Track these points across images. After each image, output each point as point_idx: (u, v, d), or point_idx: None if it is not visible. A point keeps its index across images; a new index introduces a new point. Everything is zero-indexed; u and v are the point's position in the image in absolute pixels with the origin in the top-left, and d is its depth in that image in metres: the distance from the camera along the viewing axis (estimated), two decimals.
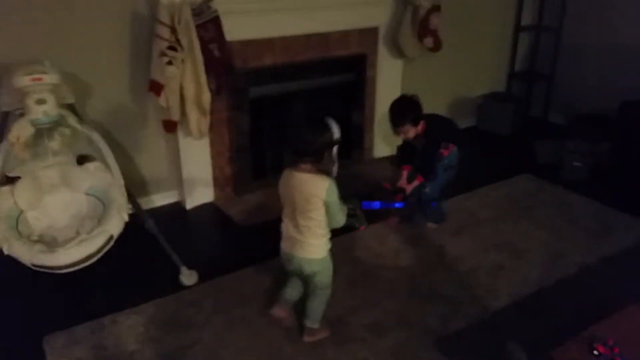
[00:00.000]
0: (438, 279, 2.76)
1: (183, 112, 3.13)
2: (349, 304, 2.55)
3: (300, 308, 2.34)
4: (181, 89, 3.04)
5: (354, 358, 2.24)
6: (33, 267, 2.16)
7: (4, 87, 2.51)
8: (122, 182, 2.54)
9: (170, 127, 3.10)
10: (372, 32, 3.87)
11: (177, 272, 2.70)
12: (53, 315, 2.49)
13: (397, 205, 2.99)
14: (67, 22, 2.86)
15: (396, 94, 4.09)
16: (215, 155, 3.48)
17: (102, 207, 2.48)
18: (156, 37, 2.90)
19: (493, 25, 4.75)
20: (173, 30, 2.89)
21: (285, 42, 3.50)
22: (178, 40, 2.91)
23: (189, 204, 3.46)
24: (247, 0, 3.19)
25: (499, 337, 2.32)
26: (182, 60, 2.95)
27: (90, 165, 2.56)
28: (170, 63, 2.92)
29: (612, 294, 2.62)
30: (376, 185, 3.72)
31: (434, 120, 3.09)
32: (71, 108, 2.59)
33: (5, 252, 2.19)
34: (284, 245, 2.23)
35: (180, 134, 3.26)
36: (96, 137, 2.55)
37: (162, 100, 3.01)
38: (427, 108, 4.54)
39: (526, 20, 4.89)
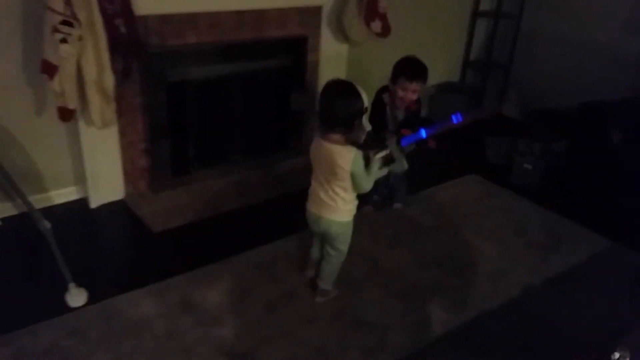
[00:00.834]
0: (366, 301, 2.44)
1: (84, 98, 2.68)
2: (262, 334, 2.20)
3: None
4: (80, 71, 2.59)
5: None
6: None
7: None
8: None
9: (66, 115, 2.65)
10: (315, 11, 3.46)
11: (65, 290, 2.30)
12: None
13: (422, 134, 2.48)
14: None
15: (342, 77, 3.75)
16: (126, 146, 3.04)
17: None
18: (47, 10, 2.42)
19: (449, 9, 4.40)
20: (68, 2, 2.42)
21: (213, 19, 3.06)
22: (74, 14, 2.44)
23: (94, 202, 3.02)
24: None
25: None
26: (80, 38, 2.49)
27: None
28: (64, 41, 2.45)
29: (557, 320, 2.38)
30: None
31: None
32: None
33: None
34: (312, 207, 2.29)
35: (81, 122, 2.81)
36: None
37: (55, 84, 2.55)
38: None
39: (484, 4, 4.57)
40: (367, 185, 2.19)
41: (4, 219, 2.80)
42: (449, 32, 4.49)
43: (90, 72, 2.60)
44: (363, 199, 2.41)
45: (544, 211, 3.25)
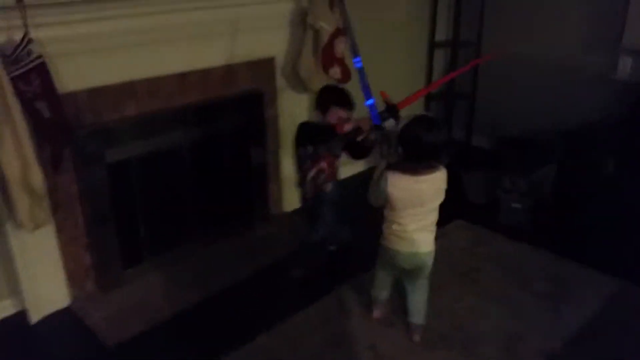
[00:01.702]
0: None
1: (7, 197, 2.24)
2: None
3: None
4: None
5: None
6: None
7: None
8: None
9: None
10: (267, 64, 3.13)
11: None
12: None
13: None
14: None
15: None
16: (66, 243, 2.59)
17: None
18: None
19: (406, 42, 4.17)
20: None
21: (153, 85, 2.68)
22: None
23: (35, 316, 2.54)
24: (87, 36, 2.34)
25: None
26: None
27: None
28: None
29: None
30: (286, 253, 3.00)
31: None
32: None
33: None
34: (403, 247, 2.20)
35: (8, 226, 2.35)
36: None
37: None
38: None
39: (441, 35, 4.36)
40: None
41: None
42: (408, 65, 4.25)
43: (12, 170, 2.17)
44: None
45: (543, 254, 2.98)
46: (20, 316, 2.56)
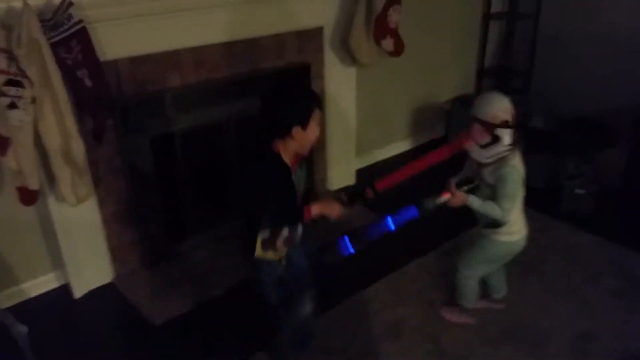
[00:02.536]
0: None
1: (49, 171, 2.14)
2: None
3: None
4: (40, 140, 2.05)
5: None
6: None
7: None
8: None
9: (28, 197, 2.09)
10: (315, 34, 2.94)
11: None
12: None
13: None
14: None
15: (351, 108, 3.25)
16: (109, 219, 2.49)
17: None
18: None
19: (458, 14, 3.90)
20: (11, 56, 1.87)
21: (198, 55, 2.53)
22: (22, 71, 1.89)
23: (78, 290, 2.47)
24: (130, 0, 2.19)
25: None
26: (34, 100, 1.94)
27: None
28: (13, 106, 1.91)
29: None
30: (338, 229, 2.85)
31: None
32: None
33: None
34: (525, 232, 2.08)
35: (51, 199, 2.26)
36: None
37: (10, 160, 2.01)
38: (388, 120, 3.77)
39: (497, 6, 4.07)
40: None
41: None
42: (459, 39, 3.99)
43: (53, 141, 2.06)
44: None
45: (610, 245, 2.75)
46: (64, 290, 2.50)
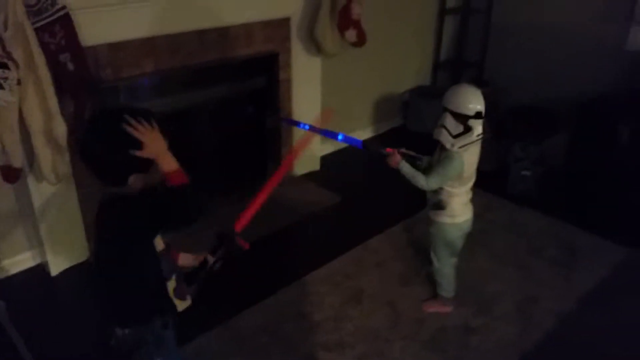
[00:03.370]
0: (393, 356, 2.12)
1: (31, 151, 2.23)
2: None
3: None
4: (23, 120, 2.14)
5: None
6: None
7: None
8: None
9: (10, 175, 2.19)
10: (282, 24, 3.10)
11: None
12: None
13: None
14: None
15: (316, 97, 3.43)
16: (86, 199, 2.59)
17: None
18: None
19: (416, 9, 4.13)
20: None
21: (172, 42, 2.66)
22: (8, 53, 1.99)
23: (55, 268, 2.56)
24: None
25: None
26: (19, 82, 2.04)
27: None
28: None
29: (601, 346, 2.16)
30: (299, 214, 3.04)
31: None
32: None
33: None
34: (470, 212, 2.22)
35: (30, 178, 2.35)
36: None
37: None
38: (351, 108, 3.98)
39: (451, 1, 4.33)
40: None
41: None
42: (417, 33, 4.23)
43: (35, 121, 2.16)
44: None
45: (552, 221, 3.03)
46: (41, 268, 2.58)
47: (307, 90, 3.36)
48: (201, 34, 2.74)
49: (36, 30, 2.06)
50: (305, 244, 2.87)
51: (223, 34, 2.84)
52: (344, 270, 2.62)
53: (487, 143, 3.61)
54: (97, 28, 2.32)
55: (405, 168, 2.09)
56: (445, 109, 2.04)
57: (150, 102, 2.66)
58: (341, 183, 3.40)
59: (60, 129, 2.20)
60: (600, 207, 3.09)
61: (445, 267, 2.30)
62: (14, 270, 2.56)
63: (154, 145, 1.39)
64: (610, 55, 3.66)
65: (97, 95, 2.40)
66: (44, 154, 2.23)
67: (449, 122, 2.02)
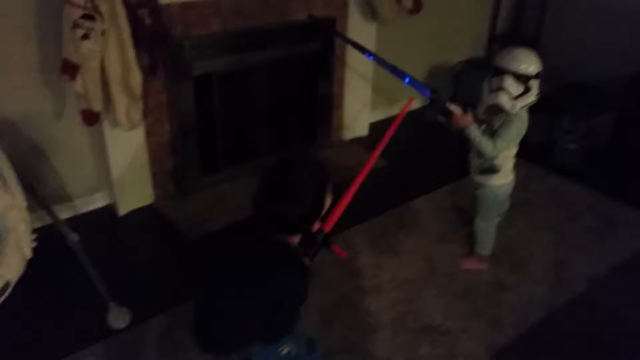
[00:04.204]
0: (428, 305, 2.29)
1: (108, 98, 2.48)
2: (322, 349, 2.05)
3: None
4: (103, 69, 2.38)
5: None
6: None
7: None
8: (23, 203, 1.91)
9: (91, 119, 2.44)
10: None
11: (105, 310, 2.13)
12: None
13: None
14: None
15: (369, 64, 3.55)
16: (153, 148, 2.84)
17: None
18: (66, 4, 2.20)
19: None
20: None
21: (237, 4, 2.84)
22: (95, 6, 2.22)
23: (122, 209, 2.83)
24: None
25: None
26: (103, 33, 2.28)
27: None
28: (86, 37, 2.24)
29: (626, 312, 2.25)
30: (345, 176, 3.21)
31: None
32: None
33: None
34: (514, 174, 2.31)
35: (105, 124, 2.61)
36: None
37: (78, 85, 2.34)
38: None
39: None
40: None
41: None
42: (474, 3, 4.25)
43: (114, 71, 2.39)
44: None
45: (594, 194, 3.09)
46: (110, 209, 2.86)
47: (360, 57, 3.47)
48: None
49: None
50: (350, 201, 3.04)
51: None
52: (386, 226, 2.78)
53: (536, 116, 3.69)
54: None
55: (475, 131, 2.08)
56: (504, 71, 2.07)
57: (217, 59, 2.86)
58: (388, 149, 3.52)
59: (136, 79, 2.43)
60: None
61: (491, 226, 2.39)
62: (85, 209, 2.84)
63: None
64: None
65: (170, 50, 2.63)
66: (121, 102, 2.47)
67: (510, 83, 2.05)
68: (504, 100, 2.06)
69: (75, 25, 2.21)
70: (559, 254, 2.61)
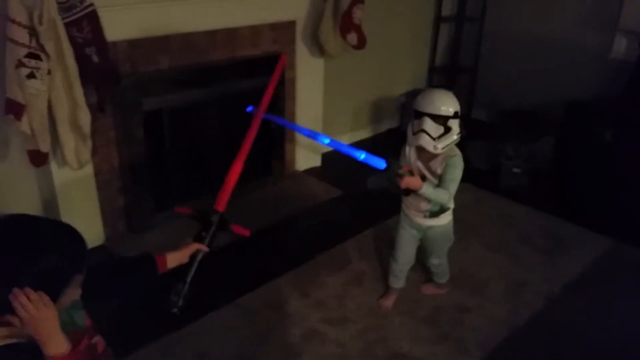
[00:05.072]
0: (395, 331, 2.29)
1: (55, 137, 2.39)
2: None
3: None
4: (50, 108, 2.31)
5: None
6: None
7: None
8: None
9: (38, 159, 2.35)
10: (288, 27, 3.29)
11: None
12: None
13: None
14: None
15: (319, 96, 3.62)
16: (102, 186, 2.75)
17: None
18: (10, 42, 2.14)
19: (413, 16, 4.34)
20: (33, 32, 2.14)
21: (185, 41, 2.83)
22: (41, 46, 2.16)
23: None
24: None
25: None
26: (49, 72, 2.21)
27: None
28: (32, 76, 2.17)
29: (583, 327, 2.33)
30: (301, 206, 3.22)
31: None
32: None
33: None
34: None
35: (53, 164, 2.51)
36: None
37: (24, 125, 2.25)
38: (351, 110, 4.16)
39: (446, 10, 4.54)
40: None
41: None
42: (414, 39, 4.44)
43: (62, 110, 2.33)
44: None
45: (540, 214, 3.22)
46: None
47: (310, 90, 3.54)
48: (211, 34, 2.92)
49: (66, 25, 2.22)
50: (309, 232, 3.04)
51: (232, 34, 3.02)
52: (346, 255, 2.78)
53: (480, 143, 3.85)
54: (117, 25, 2.49)
55: (429, 189, 2.04)
56: (422, 114, 2.05)
57: (166, 95, 2.83)
58: (341, 178, 3.57)
59: (85, 117, 2.36)
60: (585, 203, 3.27)
61: (444, 258, 2.42)
62: None
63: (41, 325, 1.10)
64: (596, 63, 3.89)
65: (118, 88, 2.58)
66: (68, 140, 2.39)
67: (430, 125, 2.03)
68: (425, 141, 2.04)
69: (20, 64, 2.15)
70: (515, 274, 2.68)
